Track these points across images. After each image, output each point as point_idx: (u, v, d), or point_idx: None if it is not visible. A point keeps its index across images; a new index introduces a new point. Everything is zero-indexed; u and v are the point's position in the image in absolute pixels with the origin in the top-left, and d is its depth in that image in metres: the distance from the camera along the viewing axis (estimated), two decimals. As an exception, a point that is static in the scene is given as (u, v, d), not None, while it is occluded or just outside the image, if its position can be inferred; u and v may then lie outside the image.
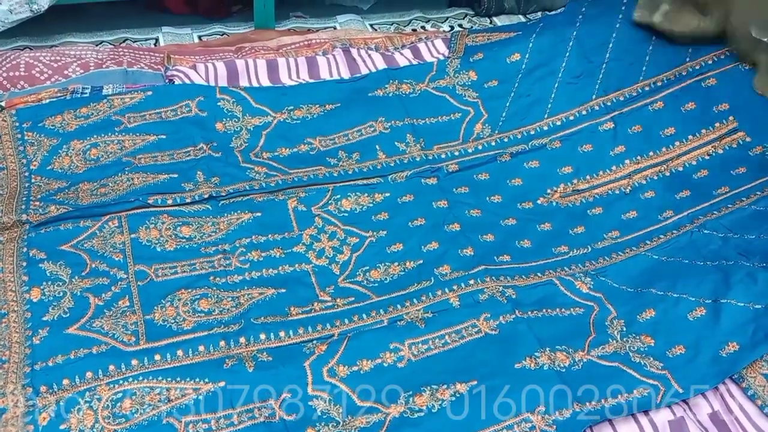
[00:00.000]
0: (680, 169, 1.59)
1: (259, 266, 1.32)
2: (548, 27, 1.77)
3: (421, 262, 1.37)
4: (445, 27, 2.10)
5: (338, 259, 1.36)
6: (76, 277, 1.25)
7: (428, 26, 2.12)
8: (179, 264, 1.30)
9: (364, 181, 1.50)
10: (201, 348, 1.18)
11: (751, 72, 1.70)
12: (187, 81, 1.61)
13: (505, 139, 1.62)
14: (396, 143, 1.57)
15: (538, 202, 1.53)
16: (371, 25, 2.09)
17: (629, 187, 1.55)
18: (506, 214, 1.50)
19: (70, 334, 1.17)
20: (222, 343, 1.19)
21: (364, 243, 1.39)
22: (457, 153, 1.58)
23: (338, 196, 1.46)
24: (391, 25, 2.11)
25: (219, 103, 1.55)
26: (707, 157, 1.61)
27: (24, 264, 1.25)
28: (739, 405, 1.17)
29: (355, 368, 1.19)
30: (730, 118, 1.66)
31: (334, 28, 2.05)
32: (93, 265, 1.27)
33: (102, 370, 1.13)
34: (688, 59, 1.72)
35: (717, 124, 1.65)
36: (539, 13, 2.13)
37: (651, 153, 1.61)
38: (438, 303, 1.30)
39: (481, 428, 1.11)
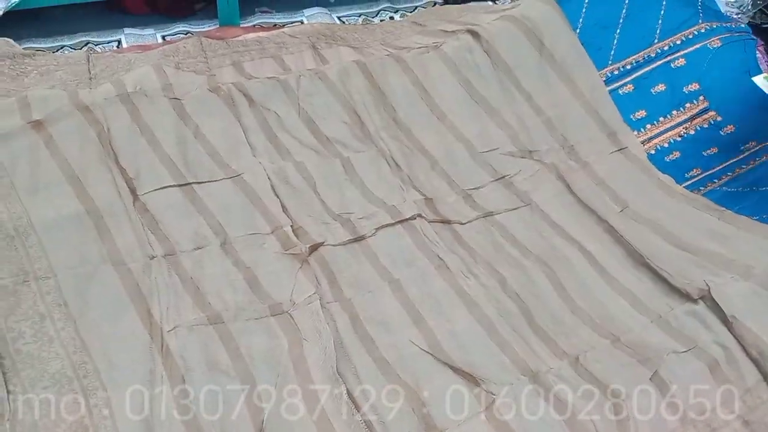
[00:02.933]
0: (652, 152, 1.59)
1: None
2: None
3: None
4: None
5: None
6: None
7: (397, 16, 2.10)
8: None
9: None
10: None
11: (720, 50, 1.70)
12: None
13: None
14: None
15: None
16: (339, 18, 2.06)
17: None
18: None
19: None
20: None
21: None
22: None
23: None
24: (359, 16, 2.08)
25: None
26: (679, 139, 1.62)
27: None
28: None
29: None
30: (701, 97, 1.66)
31: (301, 22, 2.02)
32: None
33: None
34: (656, 41, 1.72)
35: (688, 105, 1.66)
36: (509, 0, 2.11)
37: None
38: None
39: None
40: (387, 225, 1.36)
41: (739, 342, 1.15)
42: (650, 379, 1.10)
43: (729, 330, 1.17)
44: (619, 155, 1.55)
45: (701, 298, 1.23)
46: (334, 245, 1.31)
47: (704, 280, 1.24)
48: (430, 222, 1.38)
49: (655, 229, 1.37)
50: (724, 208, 1.40)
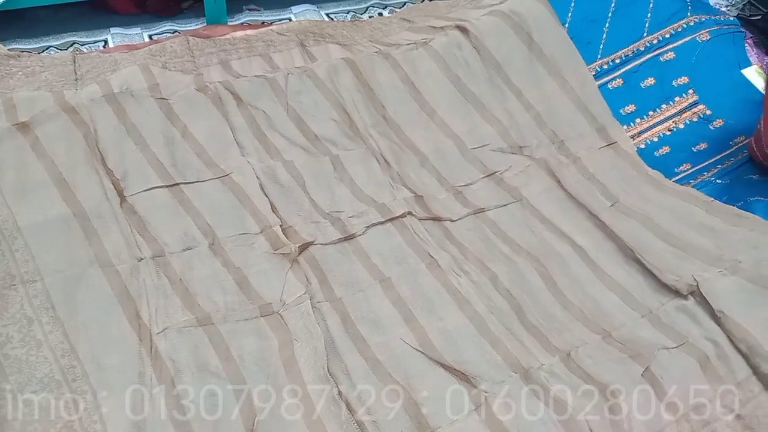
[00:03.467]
0: (642, 146, 1.59)
1: None
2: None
3: None
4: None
5: None
6: None
7: (386, 12, 2.09)
8: None
9: None
10: None
11: (709, 43, 1.70)
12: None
13: None
14: None
15: None
16: (327, 14, 2.05)
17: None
18: None
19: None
20: None
21: None
22: None
23: None
24: (348, 13, 2.07)
25: None
26: (668, 133, 1.62)
27: None
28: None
29: None
30: (690, 91, 1.66)
31: (290, 19, 2.01)
32: None
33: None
34: (645, 34, 1.72)
35: (677, 98, 1.66)
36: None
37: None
38: None
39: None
40: (377, 223, 1.35)
41: (728, 337, 1.15)
42: (642, 375, 1.10)
43: (718, 325, 1.17)
44: (608, 150, 1.55)
45: (691, 293, 1.23)
46: (324, 244, 1.31)
47: (692, 276, 1.24)
48: (420, 219, 1.38)
49: (645, 224, 1.37)
50: (712, 199, 1.40)
